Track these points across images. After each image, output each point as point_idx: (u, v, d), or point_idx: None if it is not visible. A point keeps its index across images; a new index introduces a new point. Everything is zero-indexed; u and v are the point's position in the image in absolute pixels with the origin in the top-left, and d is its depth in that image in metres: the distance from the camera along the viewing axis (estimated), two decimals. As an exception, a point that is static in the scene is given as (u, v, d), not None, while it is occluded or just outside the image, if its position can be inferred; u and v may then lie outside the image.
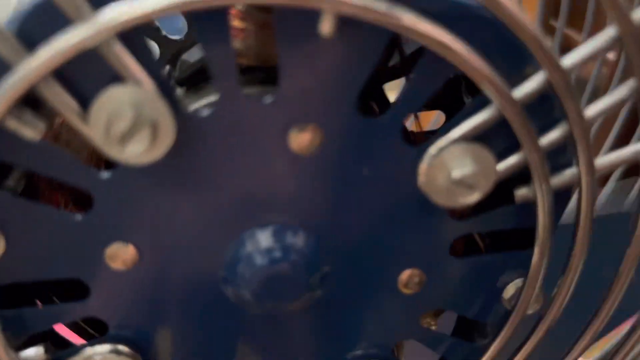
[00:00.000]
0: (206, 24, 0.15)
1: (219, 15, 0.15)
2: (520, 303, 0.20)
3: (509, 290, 0.20)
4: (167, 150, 0.15)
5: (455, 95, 0.19)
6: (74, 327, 0.22)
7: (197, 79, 0.19)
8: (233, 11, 0.17)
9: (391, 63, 0.25)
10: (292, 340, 0.20)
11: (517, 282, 0.20)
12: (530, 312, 0.20)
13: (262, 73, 0.18)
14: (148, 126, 0.15)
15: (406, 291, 0.20)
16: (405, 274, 0.19)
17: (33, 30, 0.14)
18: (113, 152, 0.15)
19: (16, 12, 0.14)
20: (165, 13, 0.14)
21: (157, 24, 0.24)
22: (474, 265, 0.20)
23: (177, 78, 0.21)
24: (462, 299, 0.20)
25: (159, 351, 0.20)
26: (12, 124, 0.15)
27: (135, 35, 0.14)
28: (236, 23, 0.17)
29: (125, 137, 0.15)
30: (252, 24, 0.17)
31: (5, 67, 0.14)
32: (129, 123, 0.14)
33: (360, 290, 0.20)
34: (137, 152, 0.15)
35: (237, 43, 0.17)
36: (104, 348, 0.19)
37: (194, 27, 0.16)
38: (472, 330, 0.22)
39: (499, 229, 0.19)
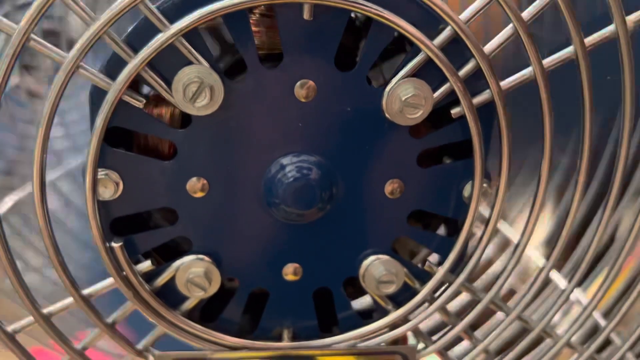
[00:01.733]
0: (238, 30, 0.25)
1: (245, 23, 0.25)
2: (472, 198, 0.28)
3: (467, 190, 0.28)
4: (220, 105, 0.25)
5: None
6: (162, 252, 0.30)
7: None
8: (252, 21, 0.27)
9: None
10: (318, 246, 0.29)
11: (471, 182, 0.28)
12: (483, 202, 0.28)
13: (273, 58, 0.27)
14: (208, 88, 0.24)
15: (392, 197, 0.28)
16: (389, 184, 0.28)
17: (136, 39, 0.24)
18: (188, 108, 0.24)
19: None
20: (203, 19, 0.24)
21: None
22: (438, 174, 0.28)
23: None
24: (434, 200, 0.29)
25: (227, 260, 0.28)
26: (127, 98, 0.24)
27: (194, 36, 0.24)
28: (253, 28, 0.27)
29: (195, 96, 0.24)
30: (263, 27, 0.27)
31: (122, 64, 0.24)
32: (196, 87, 0.24)
33: (359, 202, 0.28)
34: (202, 105, 0.24)
35: (256, 40, 0.26)
36: (190, 257, 0.28)
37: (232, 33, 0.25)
38: (451, 229, 0.30)
39: (447, 142, 0.28)
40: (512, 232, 0.47)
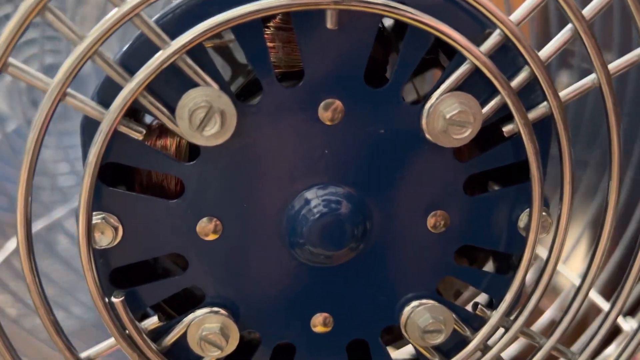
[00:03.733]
0: (251, 45, 0.21)
1: (259, 37, 0.21)
2: (531, 228, 0.24)
3: (522, 220, 0.24)
4: (233, 132, 0.21)
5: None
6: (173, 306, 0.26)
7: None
8: (266, 36, 0.23)
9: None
10: (351, 292, 0.25)
11: (527, 211, 0.24)
12: (542, 235, 0.24)
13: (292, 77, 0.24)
14: (218, 113, 0.20)
15: (436, 231, 0.24)
16: (431, 217, 0.24)
17: (132, 60, 0.21)
18: (196, 137, 0.21)
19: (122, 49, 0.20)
20: (208, 33, 0.20)
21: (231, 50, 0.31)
22: (488, 202, 0.24)
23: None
24: (484, 233, 0.25)
25: (245, 311, 0.24)
26: (124, 129, 0.21)
27: (201, 53, 0.21)
28: (269, 44, 0.23)
29: (203, 123, 0.20)
30: (279, 42, 0.24)
31: (117, 89, 0.20)
32: (204, 112, 0.20)
33: (397, 239, 0.24)
34: (212, 133, 0.21)
35: (272, 57, 0.23)
36: (203, 311, 0.24)
37: (244, 51, 0.22)
38: (503, 265, 0.26)
39: (498, 165, 0.24)
40: (566, 270, 0.43)
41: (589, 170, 0.51)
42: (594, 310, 0.44)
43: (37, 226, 0.57)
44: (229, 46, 0.29)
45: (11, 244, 0.49)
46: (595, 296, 0.42)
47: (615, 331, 0.40)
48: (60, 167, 0.60)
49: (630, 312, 0.41)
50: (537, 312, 0.45)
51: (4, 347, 0.22)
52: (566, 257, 0.50)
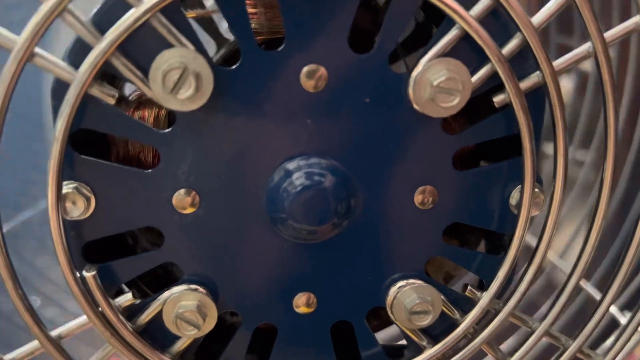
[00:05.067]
0: (230, 8, 0.20)
1: (240, 2, 0.20)
2: (523, 204, 0.23)
3: (514, 197, 0.23)
4: (210, 97, 0.20)
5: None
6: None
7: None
8: (248, 1, 0.22)
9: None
10: (335, 271, 0.24)
11: (519, 188, 0.23)
12: (535, 212, 0.23)
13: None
14: (193, 76, 0.19)
15: (424, 208, 0.23)
16: (419, 192, 0.23)
17: (104, 20, 0.20)
18: (170, 102, 0.20)
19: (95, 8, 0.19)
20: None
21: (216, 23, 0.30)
22: (478, 177, 0.23)
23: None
24: (475, 210, 0.24)
25: (225, 290, 0.23)
26: (95, 92, 0.20)
27: (176, 14, 0.20)
28: (250, 9, 0.22)
29: (177, 86, 0.19)
30: (261, 7, 0.23)
31: (88, 49, 0.19)
32: (178, 74, 0.19)
33: (384, 215, 0.23)
34: (187, 96, 0.20)
35: (253, 23, 0.22)
36: (180, 288, 0.23)
37: (223, 15, 0.21)
38: (494, 245, 0.25)
39: (489, 138, 0.23)
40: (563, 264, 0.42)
41: (585, 168, 0.50)
42: (591, 302, 0.43)
43: (27, 216, 0.57)
44: (212, 19, 0.28)
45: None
46: (593, 290, 0.41)
47: (613, 325, 0.39)
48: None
49: (628, 307, 0.40)
50: (533, 308, 0.45)
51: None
52: (562, 252, 0.49)
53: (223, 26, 0.29)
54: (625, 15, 0.45)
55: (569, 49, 0.22)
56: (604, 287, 0.44)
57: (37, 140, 0.56)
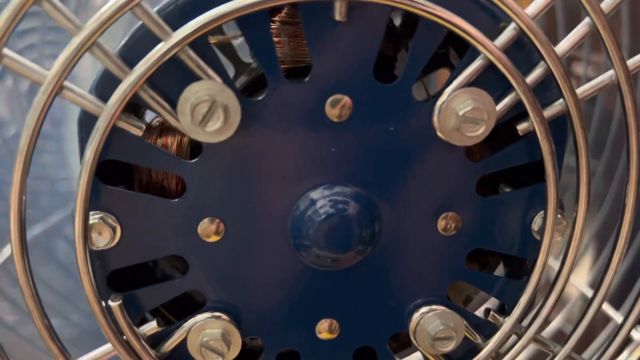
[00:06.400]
0: (256, 39, 0.20)
1: (265, 30, 0.20)
2: (546, 230, 0.23)
3: (536, 222, 0.23)
4: (236, 128, 0.20)
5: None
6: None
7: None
8: (272, 30, 0.23)
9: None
10: (358, 297, 0.24)
11: (541, 214, 0.23)
12: (557, 238, 0.23)
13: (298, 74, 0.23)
14: (221, 108, 0.20)
15: (447, 234, 0.23)
16: (442, 219, 0.23)
17: (131, 53, 0.20)
18: (198, 133, 0.20)
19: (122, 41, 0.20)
20: (212, 24, 0.19)
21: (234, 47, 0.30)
22: (501, 204, 0.23)
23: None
24: (497, 236, 0.24)
25: (248, 317, 0.23)
26: (123, 124, 0.20)
27: (203, 46, 0.20)
28: (274, 38, 0.23)
29: (206, 119, 0.19)
30: (285, 37, 0.23)
31: (116, 82, 0.20)
32: (207, 107, 0.19)
33: (407, 241, 0.23)
34: (215, 129, 0.20)
35: (277, 52, 0.22)
36: (204, 316, 0.23)
37: (249, 45, 0.21)
38: (515, 269, 0.25)
39: (512, 165, 0.23)
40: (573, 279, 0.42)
41: (594, 180, 0.50)
42: (601, 317, 0.43)
43: (35, 230, 0.57)
44: (232, 44, 0.29)
45: (8, 250, 0.49)
46: (603, 304, 0.40)
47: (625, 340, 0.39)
48: (60, 172, 0.60)
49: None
50: (543, 324, 0.45)
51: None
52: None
53: (242, 51, 0.29)
54: (634, 30, 0.46)
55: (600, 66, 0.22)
56: (613, 300, 0.44)
57: (46, 152, 0.56)
